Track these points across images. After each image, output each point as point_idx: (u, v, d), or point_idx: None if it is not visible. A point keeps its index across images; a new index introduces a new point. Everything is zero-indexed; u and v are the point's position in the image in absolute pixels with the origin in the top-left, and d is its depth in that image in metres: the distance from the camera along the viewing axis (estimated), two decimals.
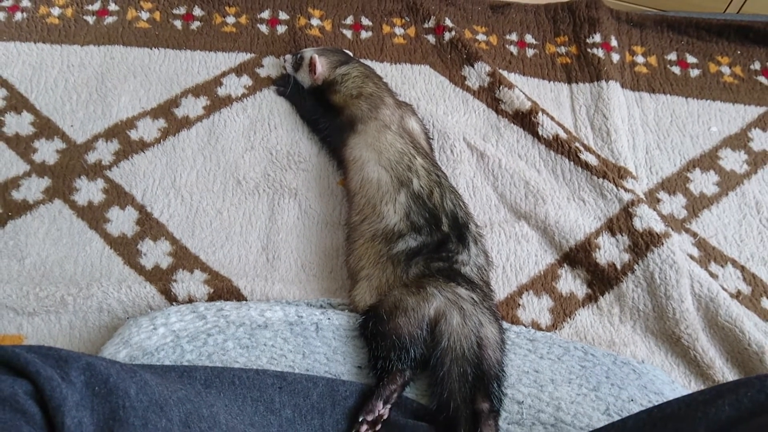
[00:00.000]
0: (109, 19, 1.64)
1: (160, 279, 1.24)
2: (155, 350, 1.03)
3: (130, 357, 1.02)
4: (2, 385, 0.68)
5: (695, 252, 1.33)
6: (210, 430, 0.82)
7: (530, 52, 1.69)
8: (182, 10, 1.68)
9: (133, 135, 1.44)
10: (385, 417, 0.97)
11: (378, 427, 0.96)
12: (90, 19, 1.64)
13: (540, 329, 1.21)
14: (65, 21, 1.62)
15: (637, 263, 1.25)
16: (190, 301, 1.20)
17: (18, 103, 1.47)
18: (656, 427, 0.77)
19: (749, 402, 0.70)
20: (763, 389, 0.70)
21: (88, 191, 1.35)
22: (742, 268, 1.32)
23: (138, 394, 0.75)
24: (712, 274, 1.28)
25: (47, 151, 1.40)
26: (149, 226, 1.31)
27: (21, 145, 1.40)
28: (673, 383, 1.11)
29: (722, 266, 1.32)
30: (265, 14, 1.70)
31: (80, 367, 0.74)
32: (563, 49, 1.69)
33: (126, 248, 1.28)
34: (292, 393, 0.96)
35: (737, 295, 1.28)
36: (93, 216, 1.32)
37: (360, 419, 0.95)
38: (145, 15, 1.66)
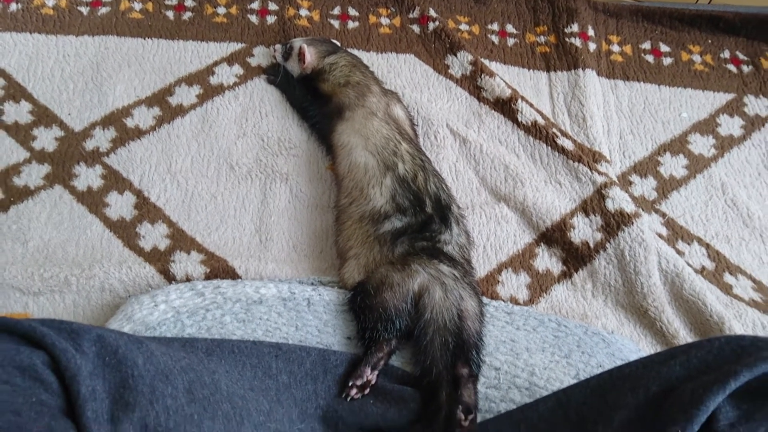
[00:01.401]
0: (103, 10, 1.68)
1: (159, 260, 1.29)
2: (157, 325, 1.09)
3: (133, 332, 1.08)
4: (22, 356, 0.72)
5: (664, 231, 1.41)
6: (212, 395, 0.86)
7: (511, 42, 1.75)
8: (174, 1, 1.72)
9: (129, 123, 1.49)
10: (372, 382, 1.04)
11: (366, 391, 1.03)
12: (84, 10, 1.68)
13: (518, 304, 1.28)
14: (60, 12, 1.66)
15: (609, 242, 1.33)
16: (188, 280, 1.25)
17: (16, 92, 1.51)
18: (615, 386, 0.84)
19: (698, 362, 0.76)
20: (711, 350, 0.76)
21: (87, 177, 1.40)
22: (707, 246, 1.40)
23: (145, 363, 0.80)
24: (678, 252, 1.36)
25: (46, 139, 1.45)
26: (147, 210, 1.37)
27: (21, 133, 1.45)
28: (639, 352, 1.19)
29: (689, 244, 1.40)
30: (255, 5, 1.74)
31: (91, 338, 0.78)
32: (542, 39, 1.75)
33: (125, 231, 1.34)
34: (288, 361, 1.03)
35: (702, 271, 1.36)
36: (92, 201, 1.37)
37: (350, 383, 1.02)
38: (137, 6, 1.70)
